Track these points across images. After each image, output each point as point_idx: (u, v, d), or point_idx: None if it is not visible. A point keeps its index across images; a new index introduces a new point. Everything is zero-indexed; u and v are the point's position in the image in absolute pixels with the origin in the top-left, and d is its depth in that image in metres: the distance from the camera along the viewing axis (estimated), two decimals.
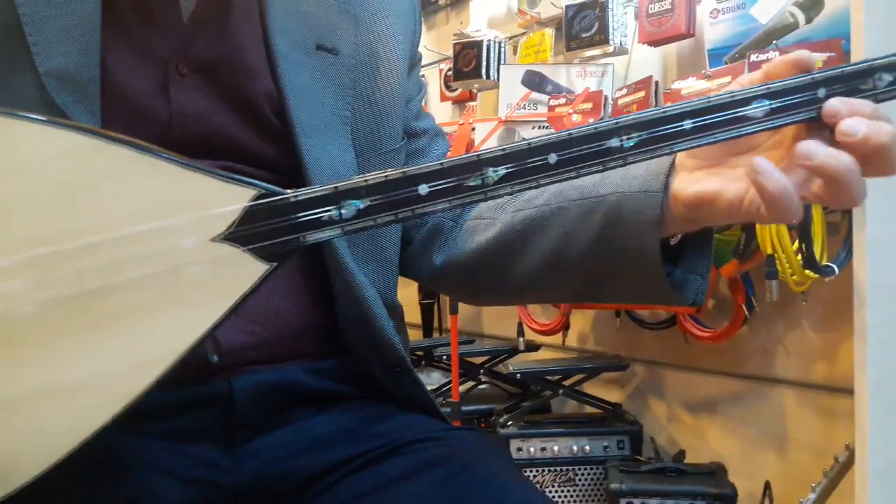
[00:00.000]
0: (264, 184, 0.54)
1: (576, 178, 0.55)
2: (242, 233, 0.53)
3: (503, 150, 0.54)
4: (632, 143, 0.54)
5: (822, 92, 0.54)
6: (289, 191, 0.54)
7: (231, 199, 0.54)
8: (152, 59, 0.67)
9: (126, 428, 0.55)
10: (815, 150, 0.52)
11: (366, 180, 0.54)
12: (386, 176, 0.54)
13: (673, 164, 0.62)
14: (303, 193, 0.54)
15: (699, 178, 0.60)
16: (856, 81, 0.54)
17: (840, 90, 0.54)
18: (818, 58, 1.31)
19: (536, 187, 0.55)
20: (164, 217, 0.53)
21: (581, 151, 0.54)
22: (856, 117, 0.53)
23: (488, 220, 0.77)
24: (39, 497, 0.53)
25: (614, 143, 0.54)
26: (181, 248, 0.53)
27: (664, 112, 0.54)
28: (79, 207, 0.53)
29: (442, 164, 0.54)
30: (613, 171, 0.56)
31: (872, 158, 0.53)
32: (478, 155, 0.54)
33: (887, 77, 0.54)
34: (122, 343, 0.53)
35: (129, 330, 0.53)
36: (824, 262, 1.32)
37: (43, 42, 0.63)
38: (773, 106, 0.54)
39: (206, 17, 0.69)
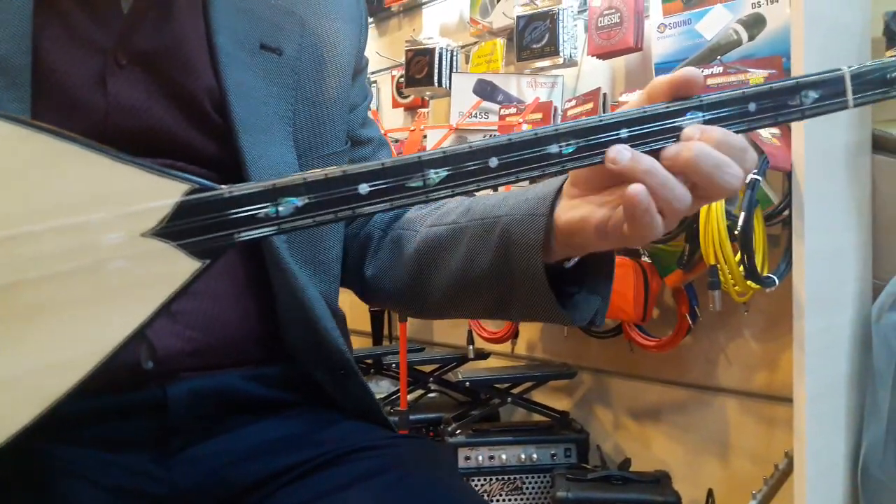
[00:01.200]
0: (198, 178, 0.53)
1: (515, 181, 0.55)
2: (174, 228, 0.52)
3: (444, 152, 0.54)
4: (570, 150, 0.55)
5: (752, 106, 0.57)
6: (223, 186, 0.53)
7: (163, 193, 0.52)
8: (90, 49, 0.66)
9: (51, 434, 0.53)
10: (622, 151, 0.55)
11: (304, 178, 0.53)
12: (326, 174, 0.53)
13: (560, 189, 0.63)
14: (238, 189, 0.53)
15: (575, 206, 0.61)
16: (783, 97, 0.57)
17: (769, 105, 0.57)
18: (761, 74, 1.35)
19: (477, 190, 0.55)
20: (92, 210, 0.51)
21: (521, 156, 0.55)
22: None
23: (411, 233, 0.77)
24: None
25: (553, 149, 0.55)
26: (109, 243, 0.51)
27: (601, 120, 0.56)
28: (2, 197, 0.51)
29: (383, 164, 0.54)
30: (514, 191, 0.58)
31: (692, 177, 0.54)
32: (419, 156, 0.54)
33: (813, 94, 0.57)
34: (43, 341, 0.50)
35: (50, 327, 0.51)
36: (765, 274, 1.35)
37: None
38: (707, 118, 0.56)
39: (147, 7, 0.67)
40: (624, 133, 0.56)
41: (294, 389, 0.73)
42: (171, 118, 0.68)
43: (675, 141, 0.56)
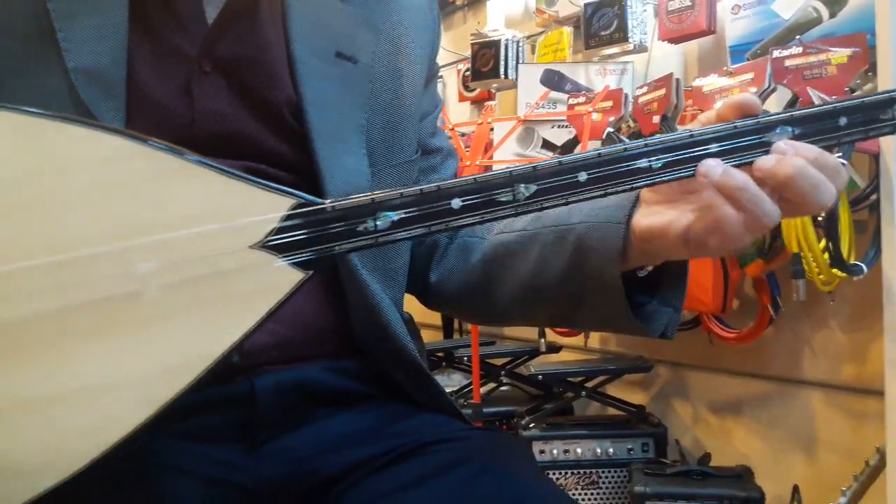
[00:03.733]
0: (302, 194, 0.55)
1: (603, 196, 0.56)
2: (279, 241, 0.54)
3: (534, 167, 0.55)
4: (660, 165, 0.56)
5: (843, 120, 0.57)
6: (327, 201, 0.55)
7: (270, 207, 0.54)
8: (176, 57, 0.68)
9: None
10: (714, 167, 0.55)
11: (401, 193, 0.55)
12: (421, 189, 0.55)
13: (638, 196, 0.63)
14: (340, 204, 0.55)
15: (655, 212, 0.61)
16: (876, 111, 0.57)
17: (859, 119, 0.56)
18: (843, 53, 1.29)
19: (565, 204, 0.56)
20: (202, 223, 0.54)
21: (610, 171, 0.55)
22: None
23: (478, 240, 0.78)
24: (60, 499, 0.53)
25: (643, 163, 0.56)
26: (219, 255, 0.54)
27: (691, 136, 0.56)
28: (119, 211, 0.54)
29: (475, 179, 0.55)
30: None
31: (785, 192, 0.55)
32: (510, 172, 0.55)
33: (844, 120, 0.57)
34: (155, 347, 0.53)
35: (162, 335, 0.53)
36: (852, 261, 1.30)
37: (72, 39, 0.64)
38: (797, 132, 0.56)
39: (231, 17, 0.70)
40: (714, 148, 0.56)
41: (371, 382, 0.74)
42: (252, 124, 0.70)
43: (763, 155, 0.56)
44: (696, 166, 0.56)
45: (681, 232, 0.58)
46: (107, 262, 0.53)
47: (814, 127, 0.56)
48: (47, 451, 0.52)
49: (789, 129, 0.56)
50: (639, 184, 0.56)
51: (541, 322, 0.81)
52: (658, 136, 0.57)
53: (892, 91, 0.57)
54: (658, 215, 0.60)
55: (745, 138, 0.56)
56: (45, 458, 0.52)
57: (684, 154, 0.56)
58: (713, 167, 0.55)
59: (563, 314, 0.73)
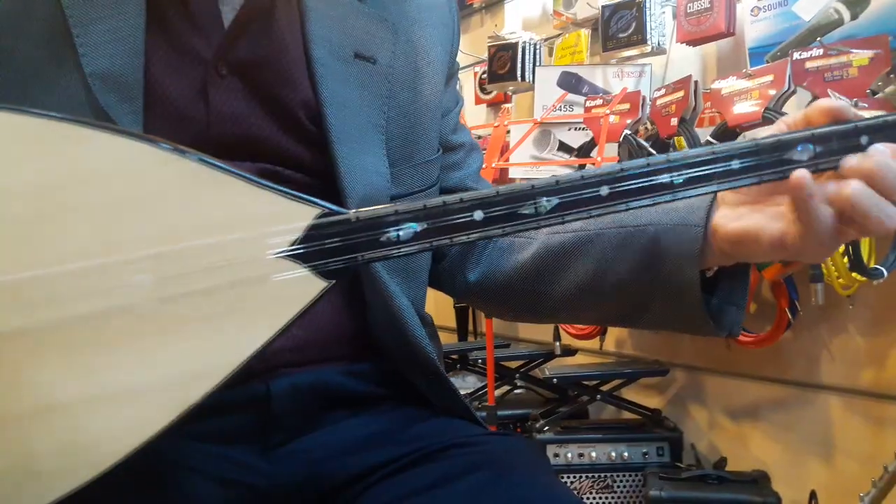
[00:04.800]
0: (327, 203, 0.56)
1: (625, 210, 0.56)
2: (304, 250, 0.55)
3: (556, 180, 0.56)
4: (681, 180, 0.56)
5: (864, 139, 0.56)
6: (351, 211, 0.56)
7: (295, 216, 0.55)
8: (193, 61, 0.68)
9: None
10: (808, 177, 0.54)
11: (425, 204, 0.55)
12: (444, 201, 0.55)
13: (715, 197, 0.63)
14: (364, 214, 0.55)
15: (742, 215, 0.61)
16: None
17: (881, 138, 0.56)
18: (865, 55, 1.28)
19: (587, 218, 0.56)
20: (228, 231, 0.54)
21: (632, 185, 0.56)
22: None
23: (525, 240, 0.77)
24: (83, 501, 0.53)
25: (665, 178, 0.56)
26: (243, 263, 0.54)
27: (713, 153, 0.56)
28: (145, 218, 0.54)
29: (498, 191, 0.56)
30: None
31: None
32: (532, 185, 0.55)
33: None
34: (180, 353, 0.54)
35: (187, 340, 0.54)
36: (872, 265, 1.28)
37: (90, 44, 0.65)
38: (817, 150, 0.56)
39: (247, 20, 0.70)
40: (735, 164, 0.56)
41: (387, 385, 0.74)
42: (270, 126, 0.70)
43: (782, 175, 0.56)
44: (718, 183, 0.56)
45: (776, 238, 0.57)
46: (132, 269, 0.53)
47: (835, 145, 0.55)
48: (72, 453, 0.53)
49: (811, 146, 0.56)
50: (661, 199, 0.56)
51: (596, 321, 0.81)
52: (680, 151, 0.57)
53: None
54: (746, 219, 0.60)
55: (766, 156, 0.56)
56: (70, 461, 0.53)
57: (706, 170, 0.56)
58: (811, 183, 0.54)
59: (620, 314, 0.73)
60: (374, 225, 0.55)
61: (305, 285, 0.55)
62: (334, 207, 0.55)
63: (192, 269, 0.54)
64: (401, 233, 0.55)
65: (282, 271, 0.54)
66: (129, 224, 0.54)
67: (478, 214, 0.55)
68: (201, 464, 0.65)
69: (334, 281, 0.55)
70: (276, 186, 0.55)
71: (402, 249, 0.55)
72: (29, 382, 0.53)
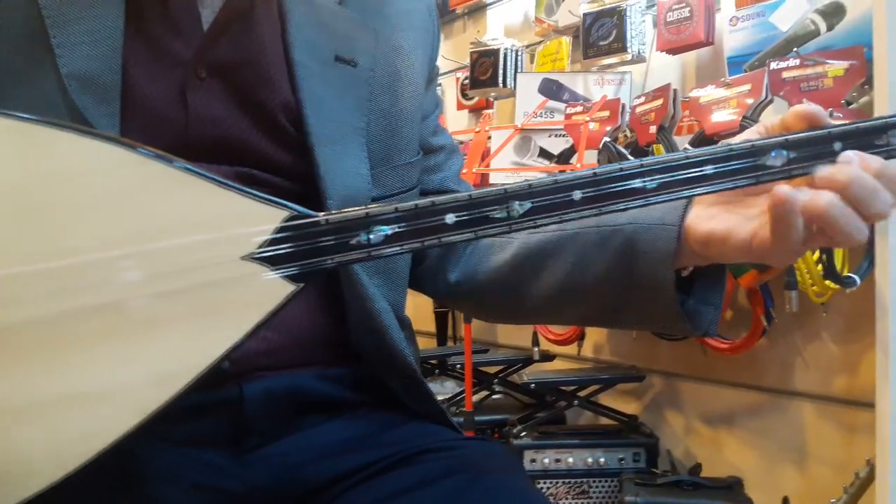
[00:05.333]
0: (296, 206, 0.55)
1: (597, 215, 0.56)
2: (272, 253, 0.54)
3: (529, 184, 0.55)
4: (654, 185, 0.56)
5: (837, 145, 0.56)
6: (320, 214, 0.55)
7: (263, 219, 0.54)
8: (171, 62, 0.68)
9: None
10: (793, 194, 0.54)
11: (396, 208, 0.55)
12: (416, 204, 0.55)
13: (691, 197, 0.62)
14: (333, 217, 0.55)
15: (714, 215, 0.61)
16: (870, 137, 0.56)
17: (853, 144, 0.56)
18: (840, 66, 1.30)
19: (559, 222, 0.56)
20: (195, 233, 0.54)
21: (605, 190, 0.55)
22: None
23: (505, 240, 0.77)
24: (46, 502, 0.53)
25: (637, 183, 0.56)
26: (211, 265, 0.54)
27: (686, 157, 0.56)
28: (112, 219, 0.54)
29: (470, 195, 0.55)
30: None
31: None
32: (505, 189, 0.55)
33: None
34: (146, 355, 0.53)
35: (153, 343, 0.53)
36: (845, 273, 1.30)
37: (66, 44, 0.64)
38: (791, 156, 0.56)
39: (227, 21, 0.69)
40: (709, 169, 0.56)
41: (362, 390, 0.74)
42: (249, 129, 0.69)
43: (756, 180, 0.56)
44: (690, 188, 0.56)
45: (744, 240, 0.58)
46: (99, 270, 0.53)
47: (808, 151, 0.56)
48: (36, 455, 0.52)
49: (784, 152, 0.56)
50: (633, 204, 0.56)
51: (572, 321, 0.80)
52: (653, 156, 0.57)
53: (888, 117, 0.56)
54: (717, 219, 0.60)
55: (739, 161, 0.56)
56: (35, 462, 0.52)
57: (679, 175, 0.56)
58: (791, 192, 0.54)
59: (599, 314, 0.73)
60: (343, 228, 0.54)
61: (274, 288, 0.54)
62: (303, 210, 0.55)
63: (161, 270, 0.53)
64: (371, 236, 0.54)
65: (250, 274, 0.54)
66: (98, 225, 0.53)
67: (449, 218, 0.54)
68: (174, 467, 0.65)
69: (303, 284, 0.54)
70: (245, 189, 0.55)
71: (372, 252, 0.54)
72: None
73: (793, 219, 0.54)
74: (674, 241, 0.62)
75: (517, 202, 0.55)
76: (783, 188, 0.54)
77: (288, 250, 0.54)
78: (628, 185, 0.55)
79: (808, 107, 0.58)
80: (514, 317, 0.81)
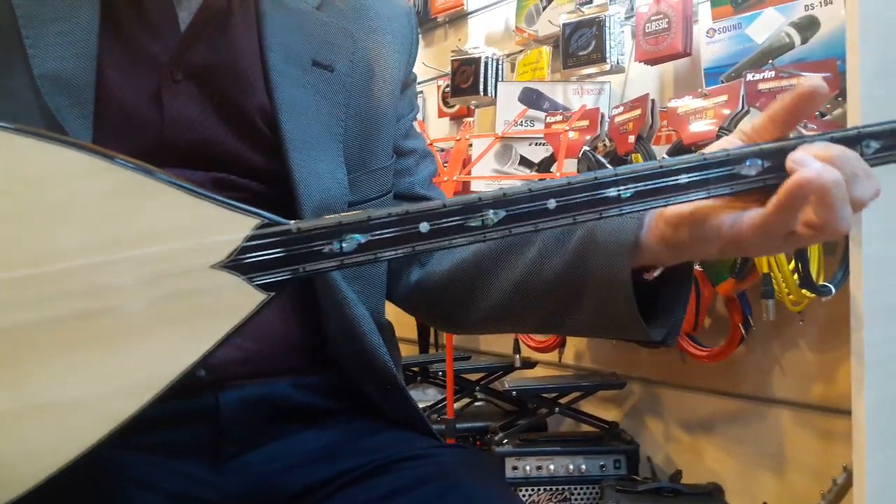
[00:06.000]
0: (267, 213, 0.55)
1: (573, 224, 0.56)
2: (242, 261, 0.54)
3: (504, 193, 0.55)
4: (629, 194, 0.55)
5: None
6: (291, 222, 0.54)
7: (233, 227, 0.54)
8: (147, 65, 0.67)
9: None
10: (807, 159, 0.53)
11: (369, 216, 0.54)
12: (389, 213, 0.55)
13: (666, 206, 0.60)
14: (305, 225, 0.54)
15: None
16: (844, 146, 0.56)
17: None
18: (815, 77, 1.31)
19: (534, 231, 0.56)
20: (165, 241, 0.53)
21: (579, 199, 0.55)
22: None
23: None
24: None
25: (612, 192, 0.55)
26: (181, 274, 0.53)
27: (661, 167, 0.56)
28: (80, 227, 0.53)
29: (444, 204, 0.55)
30: None
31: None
32: (479, 197, 0.55)
33: (874, 144, 0.56)
34: (115, 365, 0.53)
35: (122, 352, 0.53)
36: (821, 282, 1.31)
37: (40, 45, 0.63)
38: (766, 165, 0.56)
39: (203, 24, 0.69)
40: (683, 178, 0.56)
41: (340, 398, 0.74)
42: (225, 132, 0.69)
43: (731, 190, 0.56)
44: (665, 198, 0.55)
45: (721, 222, 0.56)
46: (70, 278, 0.52)
47: (783, 160, 0.55)
48: (7, 464, 0.52)
49: (759, 161, 0.56)
50: (608, 213, 0.56)
51: (527, 327, 0.77)
52: (628, 165, 0.57)
53: (860, 127, 0.56)
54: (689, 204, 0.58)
55: (714, 170, 0.56)
56: (6, 472, 0.52)
57: (654, 184, 0.56)
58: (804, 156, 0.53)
59: (555, 316, 0.69)
60: (316, 236, 0.54)
61: (245, 297, 0.54)
62: (274, 218, 0.54)
63: (130, 279, 0.53)
64: (344, 244, 0.54)
65: (220, 282, 0.53)
66: (68, 235, 0.53)
67: (424, 226, 0.54)
68: (149, 477, 0.64)
69: (273, 294, 0.54)
70: (216, 197, 0.54)
71: (345, 261, 0.54)
72: None
73: (805, 192, 0.52)
74: (633, 232, 0.61)
75: (492, 210, 0.54)
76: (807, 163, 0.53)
77: (259, 258, 0.54)
78: (603, 193, 0.55)
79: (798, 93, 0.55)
80: (468, 319, 0.77)
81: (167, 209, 0.54)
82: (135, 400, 0.53)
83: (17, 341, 0.52)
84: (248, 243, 0.54)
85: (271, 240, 0.54)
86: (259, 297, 0.54)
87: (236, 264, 0.54)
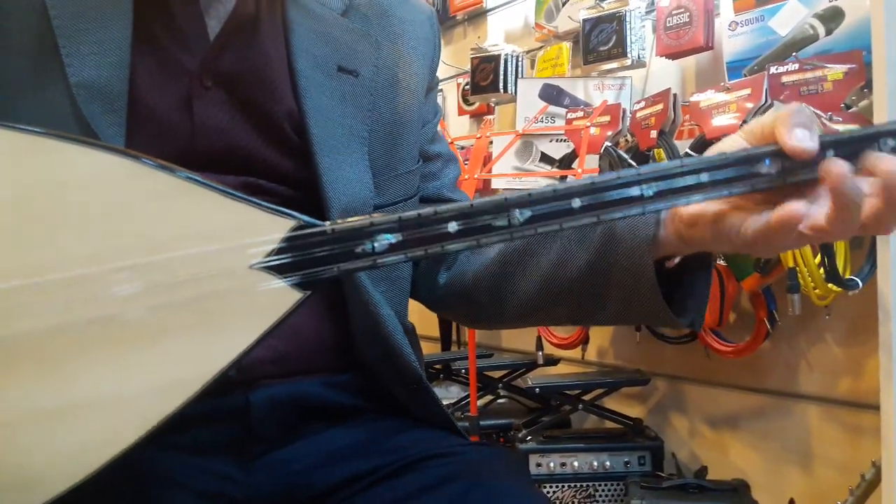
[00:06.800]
0: (302, 215, 0.56)
1: (597, 223, 0.57)
2: (279, 262, 0.55)
3: (529, 194, 0.56)
4: (651, 193, 0.56)
5: (830, 153, 0.56)
6: (326, 223, 0.56)
7: (270, 228, 0.55)
8: (177, 73, 0.69)
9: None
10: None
11: (399, 217, 0.55)
12: (419, 213, 0.56)
13: (688, 204, 0.62)
14: (339, 226, 0.55)
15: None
16: (861, 145, 0.56)
17: (844, 152, 0.56)
18: (840, 69, 1.30)
19: (560, 230, 0.57)
20: (204, 243, 0.54)
21: (603, 198, 0.56)
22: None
23: None
24: None
25: (635, 191, 0.56)
26: (220, 274, 0.54)
27: (682, 166, 0.57)
28: (122, 230, 0.55)
29: (472, 204, 0.56)
30: None
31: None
32: (505, 197, 0.56)
33: (891, 143, 0.56)
34: (153, 365, 0.54)
35: (160, 352, 0.54)
36: (847, 276, 1.30)
37: (76, 54, 0.65)
38: (785, 164, 0.57)
39: (232, 32, 0.70)
40: (705, 177, 0.57)
41: (367, 396, 0.75)
42: (253, 138, 0.70)
43: (752, 188, 0.56)
44: (687, 196, 0.56)
45: (733, 224, 0.57)
46: (107, 281, 0.53)
47: (802, 160, 0.56)
48: (45, 465, 0.53)
49: (778, 160, 0.56)
50: (632, 211, 0.57)
51: (557, 320, 0.79)
52: (650, 164, 0.57)
53: (879, 126, 0.57)
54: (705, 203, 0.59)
55: (734, 168, 0.57)
56: (43, 472, 0.53)
57: (675, 183, 0.56)
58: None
59: (584, 309, 0.72)
60: (349, 236, 0.55)
61: (281, 296, 0.55)
62: (309, 219, 0.56)
63: (169, 280, 0.54)
64: (376, 244, 0.55)
65: (257, 283, 0.55)
66: (106, 235, 0.54)
67: (452, 226, 0.55)
68: (180, 475, 0.65)
69: (310, 292, 0.55)
70: (252, 199, 0.56)
71: (377, 261, 0.55)
72: (0, 394, 0.53)
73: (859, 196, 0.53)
74: (652, 225, 0.63)
75: (518, 210, 0.56)
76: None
77: (295, 259, 0.55)
78: (626, 193, 0.56)
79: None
80: (498, 318, 0.80)
81: (203, 211, 0.55)
82: (172, 400, 0.54)
83: (63, 341, 0.53)
84: (285, 244, 0.55)
85: (306, 241, 0.55)
86: (295, 295, 0.55)
87: (273, 265, 0.55)
